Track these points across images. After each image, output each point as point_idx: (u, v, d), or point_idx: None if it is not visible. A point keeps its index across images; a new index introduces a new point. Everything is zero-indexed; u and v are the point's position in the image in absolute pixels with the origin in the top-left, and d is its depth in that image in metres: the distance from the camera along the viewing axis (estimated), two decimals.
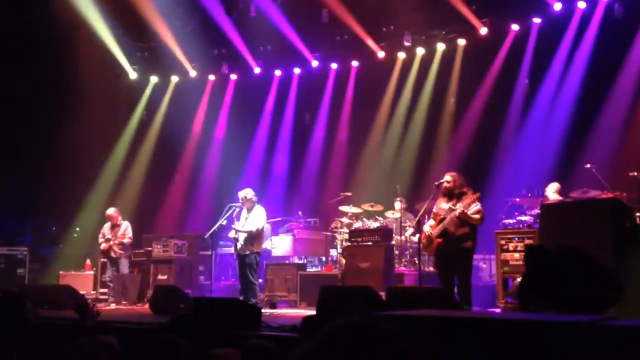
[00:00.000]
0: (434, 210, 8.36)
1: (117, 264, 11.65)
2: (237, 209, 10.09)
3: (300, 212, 12.97)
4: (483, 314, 5.87)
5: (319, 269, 11.96)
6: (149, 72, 15.39)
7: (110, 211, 11.96)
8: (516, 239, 9.08)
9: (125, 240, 11.75)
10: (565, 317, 3.99)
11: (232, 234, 10.12)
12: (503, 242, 9.22)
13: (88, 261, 12.77)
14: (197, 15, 13.62)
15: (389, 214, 11.67)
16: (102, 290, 12.23)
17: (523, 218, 9.82)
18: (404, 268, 10.96)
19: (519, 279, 7.82)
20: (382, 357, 1.25)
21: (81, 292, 11.09)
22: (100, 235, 11.90)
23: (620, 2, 10.99)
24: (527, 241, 8.83)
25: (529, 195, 10.28)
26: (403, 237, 11.20)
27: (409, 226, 11.16)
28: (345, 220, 11.80)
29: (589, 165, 9.68)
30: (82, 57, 13.37)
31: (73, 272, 12.56)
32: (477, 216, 7.93)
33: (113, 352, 3.14)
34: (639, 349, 3.29)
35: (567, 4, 11.77)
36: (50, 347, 3.64)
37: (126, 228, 11.85)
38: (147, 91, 15.50)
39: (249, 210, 10.04)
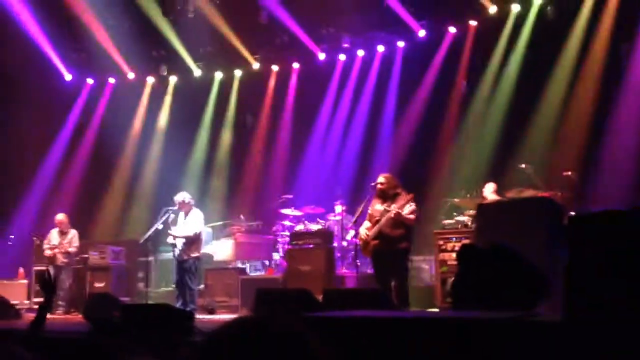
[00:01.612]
0: (369, 211, 8.36)
1: (60, 273, 11.28)
2: (172, 214, 9.88)
3: (241, 216, 12.81)
4: (411, 313, 5.86)
5: (262, 273, 11.83)
6: (85, 74, 14.97)
7: (60, 217, 11.60)
8: (454, 239, 9.15)
9: (71, 249, 11.45)
10: (493, 313, 4.00)
11: (170, 239, 9.92)
12: (441, 242, 9.28)
13: (21, 269, 12.32)
14: (134, 16, 13.31)
15: (330, 216, 11.65)
16: (36, 299, 11.80)
17: (461, 218, 9.93)
18: (345, 270, 10.94)
19: (452, 279, 7.86)
20: (273, 351, 1.23)
21: (14, 302, 10.73)
22: (45, 241, 11.52)
23: (553, 3, 11.26)
24: (465, 241, 8.88)
25: (468, 195, 10.38)
26: (344, 242, 11.18)
27: (350, 228, 11.14)
28: (287, 223, 11.72)
29: (523, 165, 9.82)
30: (12, 57, 12.93)
31: (5, 282, 12.10)
32: (411, 216, 7.98)
33: None
34: (563, 342, 3.31)
35: (502, 7, 11.97)
36: None
37: (73, 236, 11.56)
38: (84, 93, 15.08)
39: (186, 214, 9.86)
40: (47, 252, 11.39)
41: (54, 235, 11.50)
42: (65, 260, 11.34)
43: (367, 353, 3.29)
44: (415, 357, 3.30)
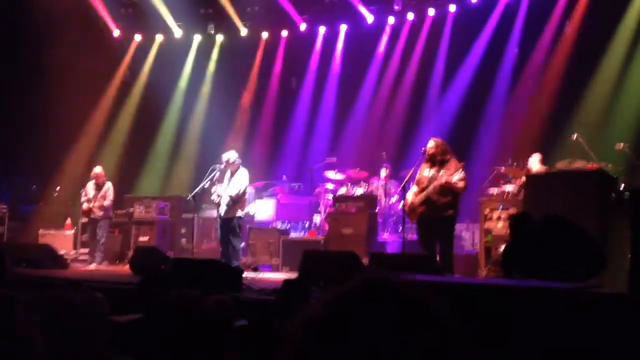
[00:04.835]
0: (417, 176, 8.26)
1: (97, 225, 11.40)
2: (219, 172, 9.93)
3: (284, 177, 12.86)
4: (470, 280, 5.84)
5: (302, 234, 11.89)
6: (133, 30, 15.06)
7: (98, 170, 11.55)
8: (500, 207, 9.05)
9: (106, 203, 11.36)
10: (549, 283, 3.97)
11: (214, 197, 9.96)
12: (487, 210, 9.19)
13: (68, 220, 12.60)
14: None
15: (374, 180, 11.61)
16: (82, 250, 12.09)
17: (507, 187, 9.78)
18: (387, 235, 10.94)
19: (502, 248, 7.80)
20: (408, 317, 1.04)
21: (61, 252, 10.99)
22: (82, 194, 11.54)
23: None
24: (511, 210, 8.79)
25: (515, 164, 10.23)
26: (387, 204, 11.15)
27: (394, 193, 11.10)
28: (329, 186, 11.72)
29: (575, 136, 9.62)
30: (62, 11, 13.02)
31: (53, 232, 12.39)
32: (461, 184, 7.83)
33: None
34: (620, 316, 3.27)
35: None
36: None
37: (108, 189, 11.46)
38: (131, 49, 15.19)
39: (233, 173, 9.90)
40: (84, 206, 11.41)
41: (90, 188, 11.47)
42: (100, 213, 11.29)
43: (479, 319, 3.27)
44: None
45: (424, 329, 1.02)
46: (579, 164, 9.28)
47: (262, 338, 3.19)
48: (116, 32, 14.93)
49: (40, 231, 12.37)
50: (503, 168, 10.28)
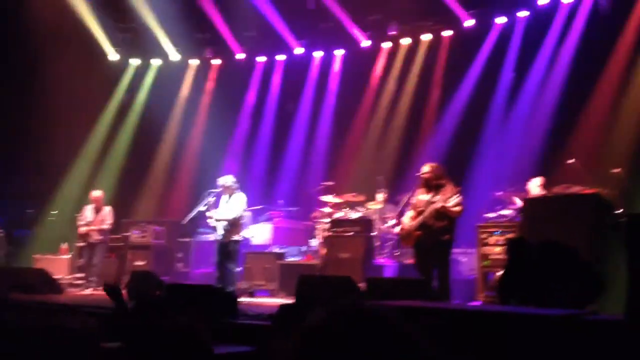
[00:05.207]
0: (413, 201, 8.25)
1: (94, 249, 11.36)
2: (215, 196, 9.92)
3: (281, 201, 12.84)
4: (465, 306, 5.81)
5: (298, 258, 11.85)
6: (130, 54, 15.13)
7: (97, 194, 11.56)
8: (497, 232, 9.02)
9: (105, 227, 11.39)
10: (546, 310, 3.94)
11: (211, 221, 9.96)
12: (484, 235, 9.16)
13: (64, 245, 12.54)
14: None
15: (370, 204, 11.59)
16: (77, 274, 12.01)
17: (505, 212, 9.78)
18: (384, 259, 10.90)
19: (499, 273, 7.76)
20: (383, 339, 1.22)
21: (56, 277, 10.91)
22: (80, 217, 11.51)
23: None
24: (509, 235, 8.76)
25: (512, 189, 10.23)
26: (384, 228, 11.12)
27: (390, 217, 11.07)
28: (326, 210, 11.71)
29: (572, 161, 9.64)
30: (59, 36, 13.10)
31: (48, 256, 12.33)
32: (457, 209, 7.81)
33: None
34: (626, 341, 3.25)
35: None
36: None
37: (107, 213, 11.48)
38: (128, 74, 15.26)
39: (229, 196, 9.89)
40: (82, 229, 11.37)
41: (88, 212, 11.46)
42: (99, 237, 11.29)
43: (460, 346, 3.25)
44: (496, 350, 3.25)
45: (393, 352, 1.20)
46: (576, 189, 9.29)
47: None
48: (114, 56, 14.99)
49: (36, 256, 12.29)
50: (500, 192, 10.29)
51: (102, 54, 14.82)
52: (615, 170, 9.33)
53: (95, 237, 11.27)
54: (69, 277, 12.00)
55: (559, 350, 3.27)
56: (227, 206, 9.83)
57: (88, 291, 10.83)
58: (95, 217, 11.37)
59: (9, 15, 12.91)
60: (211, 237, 10.47)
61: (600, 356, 3.19)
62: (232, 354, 4.33)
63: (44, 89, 13.29)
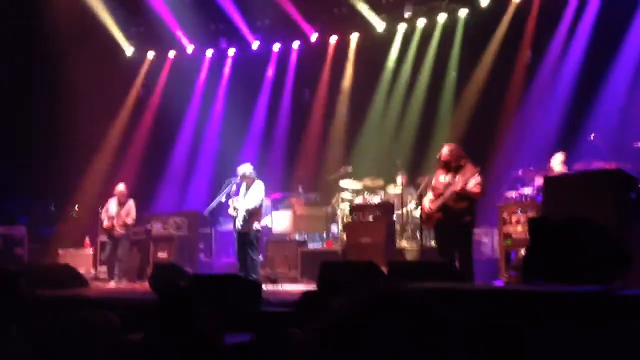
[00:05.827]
0: (432, 183, 8.17)
1: (118, 243, 11.44)
2: (235, 185, 9.91)
3: (300, 188, 12.83)
4: (490, 287, 5.77)
5: (319, 245, 11.83)
6: (145, 48, 15.18)
7: (120, 187, 11.57)
8: (519, 211, 8.95)
9: (129, 221, 11.43)
10: (573, 287, 3.90)
11: (231, 211, 9.93)
12: (505, 215, 9.10)
13: (87, 239, 12.66)
14: None
15: (390, 188, 11.54)
16: (101, 268, 12.13)
17: (526, 191, 9.66)
18: (405, 243, 10.86)
19: (522, 252, 7.70)
20: (419, 325, 1.16)
21: (80, 271, 11.01)
22: (103, 211, 11.55)
23: None
24: (530, 214, 8.70)
25: (532, 167, 10.12)
26: (404, 212, 11.08)
27: (411, 200, 11.03)
28: (346, 195, 11.67)
29: (593, 136, 9.52)
30: (76, 33, 13.16)
31: (72, 251, 12.46)
32: (477, 189, 7.67)
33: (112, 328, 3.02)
34: None
35: None
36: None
37: (131, 207, 11.51)
38: (144, 67, 15.32)
39: (248, 186, 9.87)
40: (105, 223, 11.42)
41: (112, 206, 11.48)
42: (122, 231, 11.33)
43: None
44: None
45: (431, 337, 1.14)
46: (597, 165, 9.19)
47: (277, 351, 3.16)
48: (129, 50, 15.05)
49: (60, 251, 12.43)
50: (520, 171, 10.18)
51: (120, 50, 14.91)
52: (638, 144, 9.22)
53: (120, 230, 11.34)
54: (94, 270, 12.14)
55: (589, 327, 3.24)
56: (247, 195, 9.81)
57: (112, 284, 10.93)
58: (118, 210, 11.43)
59: (33, 17, 13.04)
60: (231, 226, 10.47)
61: (633, 330, 3.15)
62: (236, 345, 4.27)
63: (64, 86, 13.36)
